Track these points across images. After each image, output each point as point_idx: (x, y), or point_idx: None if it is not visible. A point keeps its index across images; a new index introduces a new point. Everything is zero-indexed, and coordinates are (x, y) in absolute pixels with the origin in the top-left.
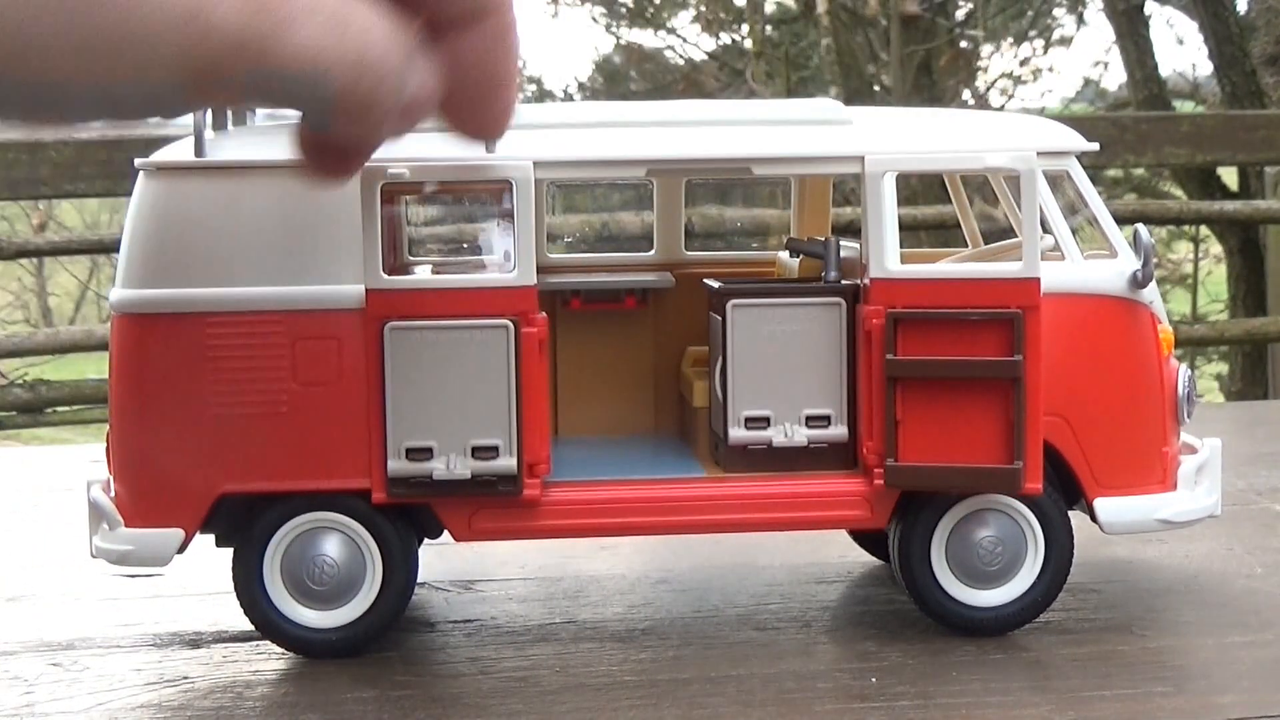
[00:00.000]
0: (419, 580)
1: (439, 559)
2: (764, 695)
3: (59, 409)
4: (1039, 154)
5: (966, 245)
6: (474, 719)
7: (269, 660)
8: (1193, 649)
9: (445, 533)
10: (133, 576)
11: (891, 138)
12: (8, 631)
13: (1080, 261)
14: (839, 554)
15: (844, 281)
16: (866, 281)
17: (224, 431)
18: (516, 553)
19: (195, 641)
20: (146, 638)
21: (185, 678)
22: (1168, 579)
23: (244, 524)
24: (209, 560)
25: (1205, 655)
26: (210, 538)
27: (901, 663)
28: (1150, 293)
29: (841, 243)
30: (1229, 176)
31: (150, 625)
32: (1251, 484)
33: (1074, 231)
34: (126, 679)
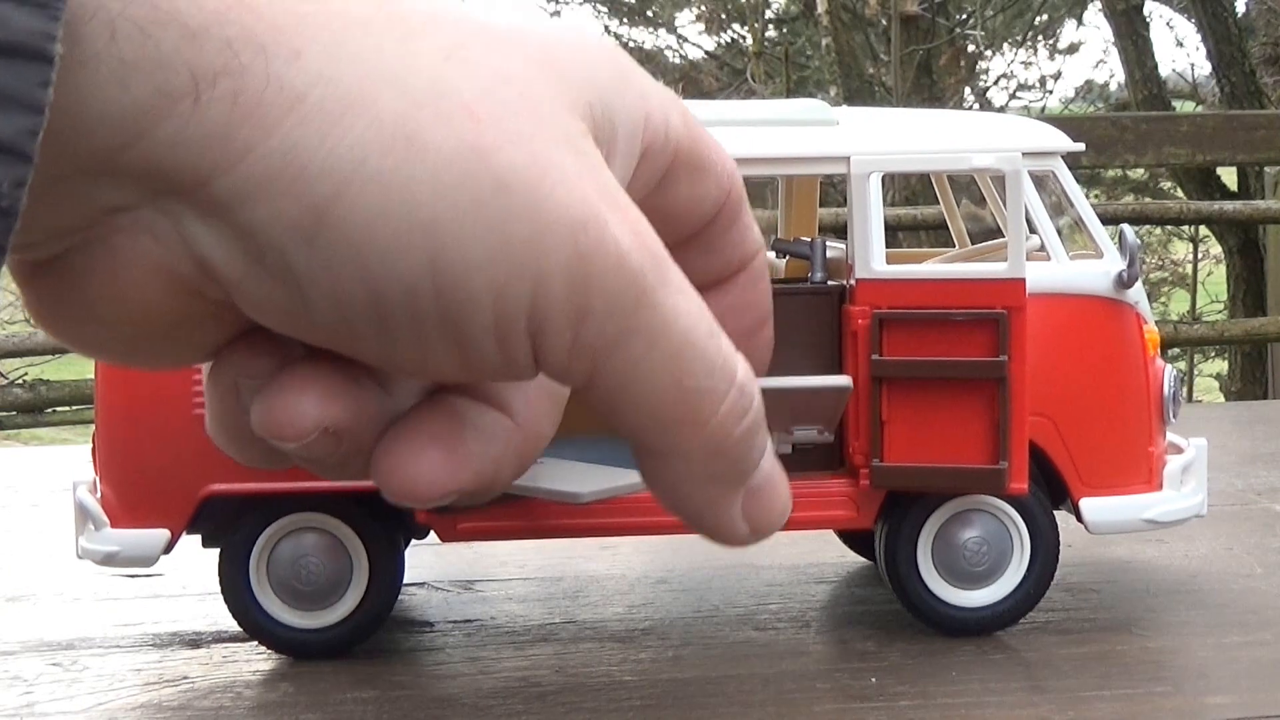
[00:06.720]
0: (420, 581)
1: (439, 559)
2: (764, 695)
3: (59, 409)
4: (1024, 154)
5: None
6: (474, 719)
7: (269, 660)
8: (1192, 649)
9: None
10: (133, 576)
11: (877, 138)
12: (8, 631)
13: (1066, 262)
14: (839, 554)
15: (830, 282)
16: (852, 282)
17: None
18: (516, 553)
19: (195, 641)
20: (146, 638)
21: (185, 678)
22: (1167, 579)
23: (230, 524)
24: (209, 560)
25: (1204, 655)
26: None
27: (901, 663)
28: (1136, 293)
29: (828, 243)
30: (1229, 176)
31: (150, 625)
32: (1251, 484)
33: (1060, 232)
34: (126, 679)
